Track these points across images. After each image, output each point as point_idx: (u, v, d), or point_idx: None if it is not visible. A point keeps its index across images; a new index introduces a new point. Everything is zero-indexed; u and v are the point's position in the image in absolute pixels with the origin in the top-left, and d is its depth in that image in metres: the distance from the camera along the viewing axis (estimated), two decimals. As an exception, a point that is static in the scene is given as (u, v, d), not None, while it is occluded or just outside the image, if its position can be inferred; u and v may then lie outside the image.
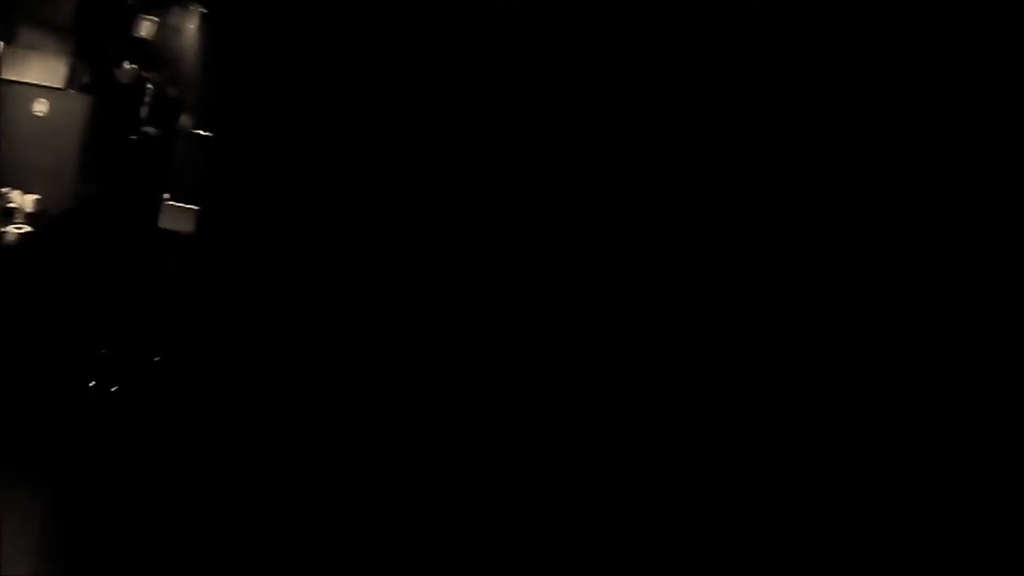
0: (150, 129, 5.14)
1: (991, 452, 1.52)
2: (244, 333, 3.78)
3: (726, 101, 2.10)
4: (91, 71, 4.57)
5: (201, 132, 5.64)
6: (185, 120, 5.57)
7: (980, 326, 1.56)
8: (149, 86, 5.21)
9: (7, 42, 4.38)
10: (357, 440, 2.80)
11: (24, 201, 4.62)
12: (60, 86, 4.54)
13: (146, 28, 5.24)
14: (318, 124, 4.36)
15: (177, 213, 5.35)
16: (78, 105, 4.56)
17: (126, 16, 4.89)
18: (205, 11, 5.67)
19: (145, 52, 5.24)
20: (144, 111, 5.12)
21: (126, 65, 5.01)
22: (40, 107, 4.57)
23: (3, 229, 4.48)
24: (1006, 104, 1.59)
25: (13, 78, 4.55)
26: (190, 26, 5.77)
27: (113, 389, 3.91)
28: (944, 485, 1.58)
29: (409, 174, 3.14)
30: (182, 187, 5.57)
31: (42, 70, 4.54)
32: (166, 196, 5.38)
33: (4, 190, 4.59)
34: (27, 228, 4.64)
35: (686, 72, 2.22)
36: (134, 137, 5.04)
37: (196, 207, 5.42)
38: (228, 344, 3.66)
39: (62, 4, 4.14)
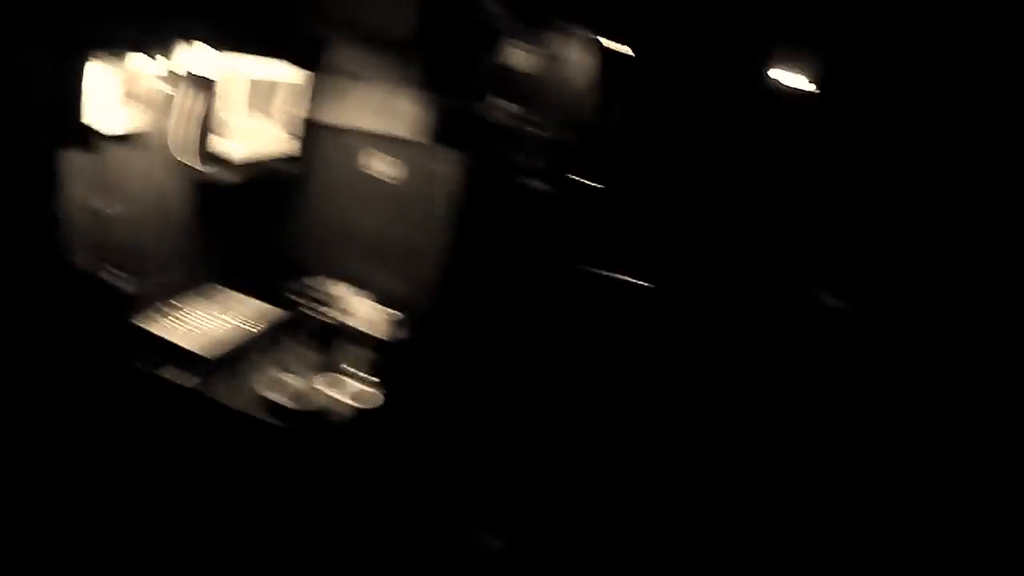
0: (537, 183, 3.87)
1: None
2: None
3: None
4: (452, 111, 3.33)
5: (593, 183, 4.24)
6: (576, 170, 4.21)
7: None
8: (529, 129, 3.95)
9: (316, 68, 3.28)
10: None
11: (361, 309, 3.30)
12: (406, 134, 3.33)
13: (518, 57, 4.00)
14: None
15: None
16: (437, 160, 3.29)
17: (490, 38, 3.68)
18: (595, 38, 4.34)
19: (518, 87, 4.00)
20: (526, 161, 3.86)
21: (499, 102, 3.79)
22: (382, 164, 3.40)
23: (331, 389, 2.70)
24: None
25: (334, 122, 3.44)
26: (574, 56, 4.46)
27: None
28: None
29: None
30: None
31: (378, 111, 3.38)
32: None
33: (324, 285, 3.37)
34: (369, 380, 2.84)
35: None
36: (517, 195, 3.78)
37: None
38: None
39: (398, 14, 2.95)
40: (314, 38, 3.22)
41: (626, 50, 4.61)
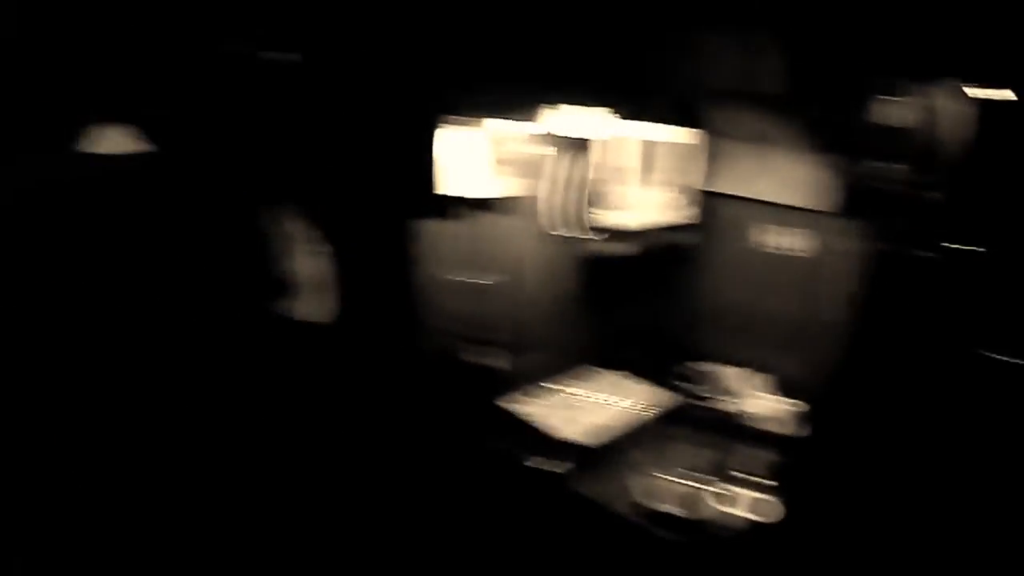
0: (931, 253, 3.23)
1: None
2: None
3: None
4: (853, 177, 2.88)
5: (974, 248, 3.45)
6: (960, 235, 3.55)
7: None
8: (921, 193, 3.36)
9: (697, 129, 2.94)
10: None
11: (759, 400, 2.81)
12: (808, 204, 2.90)
13: (896, 112, 3.46)
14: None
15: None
16: (844, 232, 2.83)
17: (865, 92, 3.22)
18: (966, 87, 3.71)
19: (900, 147, 3.44)
20: (923, 228, 3.27)
21: (891, 165, 3.26)
22: (782, 237, 2.97)
23: (723, 495, 2.27)
24: None
25: (728, 190, 3.06)
26: (952, 108, 3.80)
27: None
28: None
29: None
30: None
31: (775, 178, 2.98)
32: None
33: (718, 371, 2.93)
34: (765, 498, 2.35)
35: None
36: (920, 267, 3.19)
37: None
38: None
39: (770, 69, 2.60)
40: (688, 97, 2.95)
41: (1004, 96, 3.89)
